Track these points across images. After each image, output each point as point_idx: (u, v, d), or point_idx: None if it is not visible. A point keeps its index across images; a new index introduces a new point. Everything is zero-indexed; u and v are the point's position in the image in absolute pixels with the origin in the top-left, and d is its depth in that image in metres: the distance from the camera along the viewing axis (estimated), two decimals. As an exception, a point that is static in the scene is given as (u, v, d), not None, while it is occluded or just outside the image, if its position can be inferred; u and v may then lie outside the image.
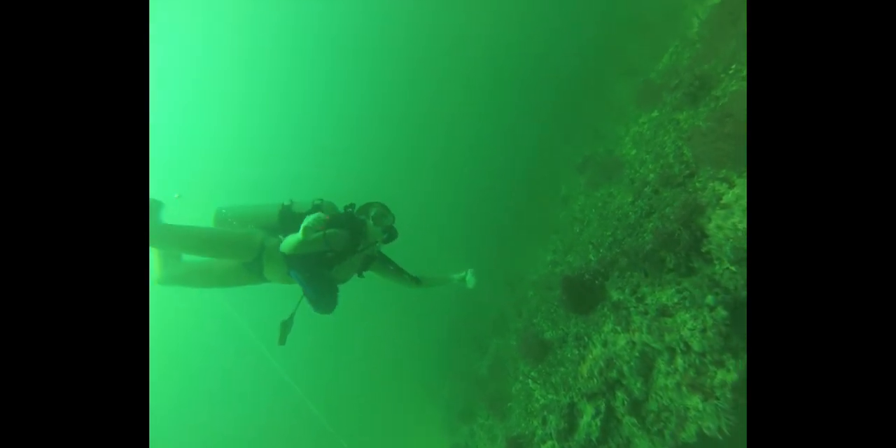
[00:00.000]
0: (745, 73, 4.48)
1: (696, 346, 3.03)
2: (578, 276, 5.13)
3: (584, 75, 11.80)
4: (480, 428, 7.75)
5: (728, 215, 3.31)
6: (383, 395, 16.57)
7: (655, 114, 6.86)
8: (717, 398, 2.84)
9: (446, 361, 12.39)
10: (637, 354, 3.49)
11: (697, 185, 4.03)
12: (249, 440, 20.00)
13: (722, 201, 3.49)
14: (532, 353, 5.76)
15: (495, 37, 15.31)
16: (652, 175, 5.46)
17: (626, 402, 3.45)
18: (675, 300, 3.35)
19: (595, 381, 3.94)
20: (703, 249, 3.41)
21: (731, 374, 2.84)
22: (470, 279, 3.64)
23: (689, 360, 3.05)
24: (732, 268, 3.13)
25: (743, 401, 2.77)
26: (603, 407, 3.67)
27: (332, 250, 3.07)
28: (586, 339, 4.61)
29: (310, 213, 2.99)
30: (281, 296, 3.53)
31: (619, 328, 4.05)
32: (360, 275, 3.54)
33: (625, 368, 3.56)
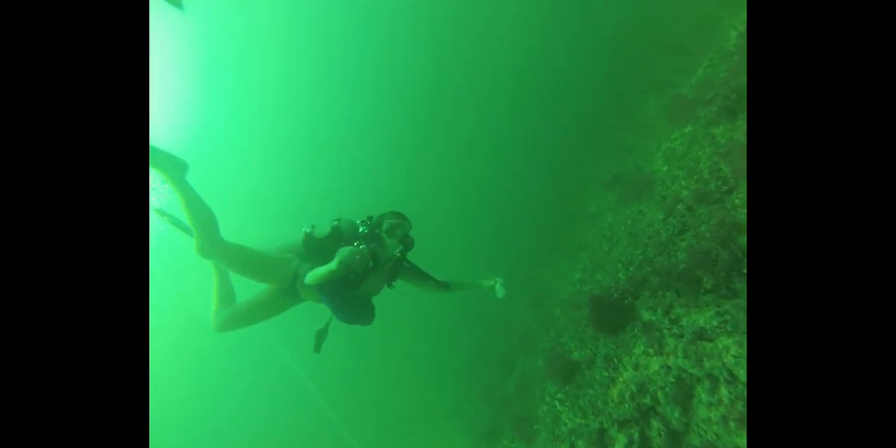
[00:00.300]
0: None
1: (742, 375, 2.81)
2: (607, 294, 4.97)
3: (612, 90, 11.69)
4: (506, 451, 7.50)
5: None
6: (404, 406, 16.32)
7: (689, 128, 6.69)
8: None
9: (472, 378, 12.17)
10: (672, 380, 3.28)
11: (736, 201, 3.86)
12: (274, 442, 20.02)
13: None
14: (559, 372, 5.58)
15: (522, 50, 15.38)
16: (685, 192, 5.31)
17: (662, 434, 3.23)
18: (715, 323, 3.16)
19: (627, 406, 3.74)
20: (745, 270, 3.23)
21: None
22: (499, 289, 3.60)
23: (735, 392, 2.79)
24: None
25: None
26: (637, 436, 3.46)
27: (353, 272, 3.09)
28: (616, 360, 4.44)
29: (330, 236, 3.20)
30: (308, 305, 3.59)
31: (651, 351, 3.87)
32: (389, 286, 3.55)
33: (659, 395, 3.36)
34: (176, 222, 3.58)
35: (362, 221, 3.39)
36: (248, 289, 3.57)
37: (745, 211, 3.59)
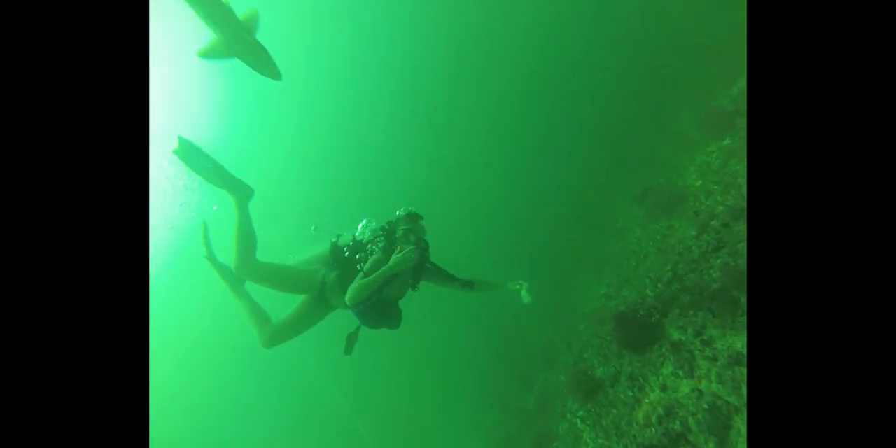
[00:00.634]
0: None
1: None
2: (633, 310, 4.82)
3: (645, 98, 11.44)
4: (524, 470, 7.33)
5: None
6: (419, 414, 16.18)
7: (727, 141, 6.48)
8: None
9: (491, 389, 11.99)
10: (706, 407, 3.12)
11: (778, 220, 3.67)
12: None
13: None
14: (581, 389, 5.42)
15: (553, 59, 15.24)
16: (721, 207, 5.12)
17: (695, 464, 3.06)
18: (753, 349, 2.99)
19: (654, 430, 3.58)
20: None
21: None
22: (525, 295, 3.57)
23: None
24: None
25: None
26: (665, 464, 3.30)
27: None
28: (641, 379, 4.28)
29: (352, 244, 3.49)
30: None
31: (680, 372, 3.70)
32: (413, 288, 3.61)
33: (690, 421, 3.19)
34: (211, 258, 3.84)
35: (383, 228, 3.47)
36: (272, 298, 3.75)
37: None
